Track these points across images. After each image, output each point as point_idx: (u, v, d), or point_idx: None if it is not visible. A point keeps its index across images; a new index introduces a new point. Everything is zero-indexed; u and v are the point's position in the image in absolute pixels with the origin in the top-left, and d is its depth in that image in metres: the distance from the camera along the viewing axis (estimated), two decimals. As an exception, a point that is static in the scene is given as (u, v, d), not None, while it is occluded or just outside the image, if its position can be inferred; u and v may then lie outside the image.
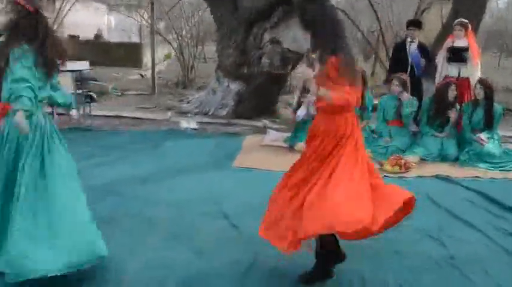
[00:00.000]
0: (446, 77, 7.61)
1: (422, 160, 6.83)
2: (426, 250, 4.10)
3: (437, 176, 6.21)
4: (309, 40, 3.37)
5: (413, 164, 6.51)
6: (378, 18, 14.29)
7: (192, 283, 3.48)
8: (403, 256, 3.95)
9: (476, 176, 6.24)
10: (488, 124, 6.98)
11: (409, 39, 8.39)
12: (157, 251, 3.93)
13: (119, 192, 5.26)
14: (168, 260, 3.78)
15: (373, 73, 15.77)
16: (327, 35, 3.28)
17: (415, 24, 8.61)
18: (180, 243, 4.10)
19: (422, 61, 8.20)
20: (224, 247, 4.04)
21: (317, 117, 3.53)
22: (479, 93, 6.99)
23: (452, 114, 7.03)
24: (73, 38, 19.49)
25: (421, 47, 8.38)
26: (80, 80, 8.79)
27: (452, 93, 7.06)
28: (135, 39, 20.76)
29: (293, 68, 9.66)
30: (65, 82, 8.26)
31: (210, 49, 18.69)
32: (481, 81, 7.12)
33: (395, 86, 7.23)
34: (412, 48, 8.30)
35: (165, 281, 3.49)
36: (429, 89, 8.32)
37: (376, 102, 8.13)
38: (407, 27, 8.59)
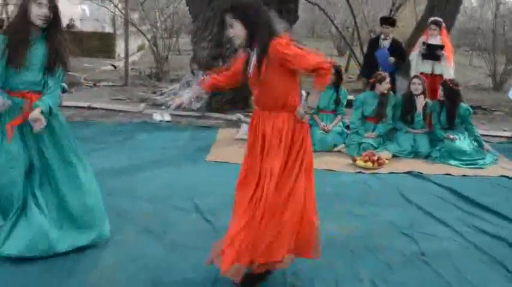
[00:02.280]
0: (420, 73, 7.68)
1: (395, 156, 6.88)
2: (398, 246, 4.13)
3: (409, 173, 6.26)
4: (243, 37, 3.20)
5: (386, 161, 6.56)
6: (353, 13, 14.33)
7: (165, 277, 3.45)
8: (375, 251, 3.98)
9: (448, 173, 6.31)
10: (450, 124, 7.07)
11: (382, 37, 8.45)
12: (129, 245, 3.89)
13: (91, 185, 5.18)
14: (140, 254, 3.75)
15: (347, 69, 15.85)
16: (262, 23, 3.14)
17: (388, 22, 8.65)
18: (153, 237, 4.06)
19: (391, 59, 8.20)
20: (198, 241, 4.00)
21: None
22: (440, 93, 7.11)
23: (419, 103, 7.11)
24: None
25: (395, 44, 8.43)
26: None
27: (413, 86, 7.15)
28: (108, 29, 20.46)
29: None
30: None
31: (184, 41, 18.58)
32: (443, 82, 7.23)
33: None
34: (384, 45, 8.35)
35: (137, 275, 3.46)
36: (403, 86, 8.38)
37: (351, 97, 8.16)
38: (381, 24, 8.64)
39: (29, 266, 3.45)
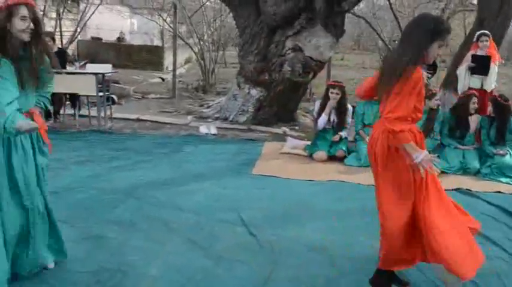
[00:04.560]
0: (469, 89, 7.56)
1: (443, 172, 6.76)
2: (446, 264, 4.05)
3: (458, 190, 6.14)
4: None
5: (434, 177, 6.44)
6: (399, 26, 14.20)
7: (210, 290, 3.48)
8: (423, 270, 3.91)
9: (498, 191, 6.15)
10: (500, 140, 6.94)
11: None
12: (175, 257, 3.94)
13: (139, 196, 5.29)
14: (186, 265, 3.79)
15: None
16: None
17: None
18: (198, 249, 4.10)
19: None
20: (242, 254, 4.03)
21: None
22: (490, 110, 7.01)
23: (473, 123, 6.98)
24: (96, 40, 19.75)
25: None
26: (102, 82, 8.80)
27: (473, 105, 7.01)
28: (156, 42, 20.90)
29: (314, 76, 9.64)
30: (88, 84, 8.37)
31: (231, 54, 18.76)
32: (492, 98, 7.14)
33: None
34: None
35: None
36: (450, 100, 8.26)
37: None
38: None
39: (79, 278, 3.53)
